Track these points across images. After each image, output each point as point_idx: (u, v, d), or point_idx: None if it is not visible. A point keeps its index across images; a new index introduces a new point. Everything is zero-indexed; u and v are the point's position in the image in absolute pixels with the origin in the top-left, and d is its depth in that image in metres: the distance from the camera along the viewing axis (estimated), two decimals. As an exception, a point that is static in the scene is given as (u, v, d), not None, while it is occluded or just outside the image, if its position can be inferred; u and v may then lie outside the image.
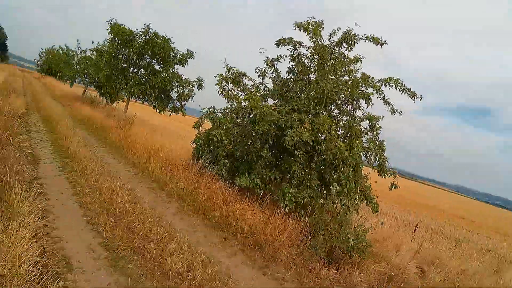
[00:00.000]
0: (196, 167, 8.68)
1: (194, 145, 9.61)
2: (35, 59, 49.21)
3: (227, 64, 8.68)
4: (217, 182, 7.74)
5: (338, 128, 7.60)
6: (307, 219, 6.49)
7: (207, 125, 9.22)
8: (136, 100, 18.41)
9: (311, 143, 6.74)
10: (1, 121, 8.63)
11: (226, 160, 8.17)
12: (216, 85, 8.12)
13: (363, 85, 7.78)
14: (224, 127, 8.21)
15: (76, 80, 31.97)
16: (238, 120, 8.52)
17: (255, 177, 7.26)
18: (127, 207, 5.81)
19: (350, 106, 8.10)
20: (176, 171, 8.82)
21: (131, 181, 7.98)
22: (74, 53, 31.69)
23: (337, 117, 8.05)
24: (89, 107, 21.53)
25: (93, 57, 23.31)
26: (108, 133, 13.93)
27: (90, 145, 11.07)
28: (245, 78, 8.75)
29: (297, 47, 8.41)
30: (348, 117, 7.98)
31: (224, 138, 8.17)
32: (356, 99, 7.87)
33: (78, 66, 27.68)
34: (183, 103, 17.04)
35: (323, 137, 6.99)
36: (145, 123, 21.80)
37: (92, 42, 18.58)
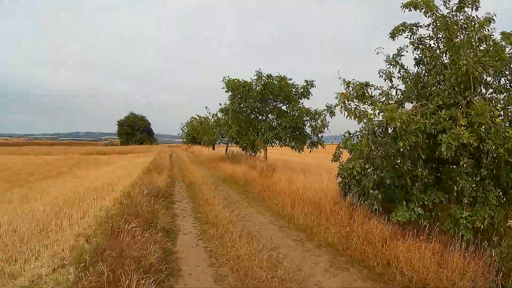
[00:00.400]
0: (345, 205, 8.05)
1: (339, 179, 9.00)
2: (178, 134, 56.25)
3: (344, 79, 7.99)
4: (371, 220, 6.95)
5: (500, 112, 6.15)
6: (493, 251, 5.10)
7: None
8: (272, 146, 18.82)
9: (475, 143, 5.51)
10: (131, 204, 9.36)
11: (376, 191, 7.28)
12: (335, 106, 7.53)
13: (509, 45, 6.26)
14: (364, 153, 7.37)
15: (216, 142, 34.93)
16: (379, 139, 7.61)
17: (415, 206, 6.24)
18: (265, 276, 5.44)
19: (503, 78, 6.60)
20: (324, 214, 8.36)
21: (274, 237, 7.80)
22: (206, 118, 35.00)
23: (492, 99, 6.59)
24: (232, 164, 23.00)
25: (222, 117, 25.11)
26: (251, 185, 14.49)
27: (233, 203, 11.50)
28: (370, 88, 7.91)
29: (414, 30, 7.38)
30: (505, 93, 6.47)
31: (366, 166, 7.35)
32: (508, 66, 6.38)
33: (214, 129, 30.20)
34: (319, 136, 16.73)
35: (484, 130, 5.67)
36: (287, 165, 22.10)
37: (220, 104, 20.14)
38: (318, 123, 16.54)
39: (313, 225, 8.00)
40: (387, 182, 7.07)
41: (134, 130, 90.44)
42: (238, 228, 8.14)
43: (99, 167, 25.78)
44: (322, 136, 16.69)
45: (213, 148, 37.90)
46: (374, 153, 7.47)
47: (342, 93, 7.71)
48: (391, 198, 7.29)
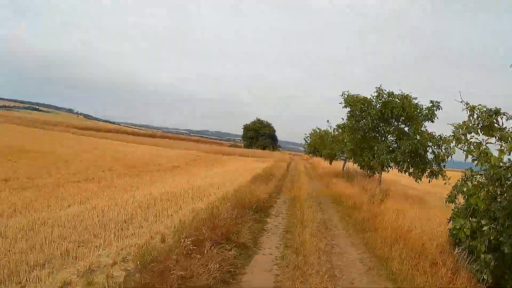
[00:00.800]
0: (451, 260, 6.42)
1: (451, 224, 7.30)
2: (301, 144, 56.20)
3: (467, 102, 6.31)
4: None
5: None
6: None
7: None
8: (388, 171, 17.06)
9: None
10: (212, 214, 8.73)
11: (489, 256, 5.46)
12: (449, 141, 5.98)
13: None
14: (481, 209, 5.65)
15: (335, 157, 33.71)
16: (506, 184, 5.74)
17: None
18: None
19: None
20: (423, 264, 6.79)
21: (357, 280, 6.53)
22: (325, 132, 33.88)
23: None
24: (345, 182, 21.66)
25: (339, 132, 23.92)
26: (357, 211, 13.14)
27: (329, 228, 10.47)
28: (502, 117, 6.11)
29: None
30: None
31: (483, 222, 5.63)
32: None
33: (332, 144, 29.15)
34: (442, 165, 14.43)
35: None
36: (404, 191, 19.98)
37: (342, 119, 19.00)
38: (441, 150, 14.32)
39: (407, 276, 6.52)
40: (506, 251, 5.25)
41: (259, 135, 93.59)
42: (321, 260, 7.17)
43: (214, 166, 26.61)
44: (444, 165, 14.41)
45: (330, 163, 36.67)
46: (498, 199, 5.73)
47: (463, 123, 6.14)
48: (508, 268, 5.45)
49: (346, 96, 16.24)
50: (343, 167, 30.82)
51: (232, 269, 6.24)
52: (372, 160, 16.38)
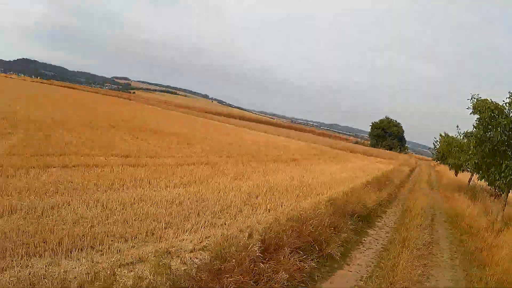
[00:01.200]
0: None
1: None
2: (429, 148, 51.04)
3: None
4: None
5: None
6: None
7: None
8: (515, 195, 14.04)
9: None
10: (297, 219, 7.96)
11: None
12: None
13: None
14: None
15: (461, 168, 29.64)
16: None
17: None
18: None
19: None
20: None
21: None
22: (453, 139, 29.75)
23: None
24: (467, 199, 18.72)
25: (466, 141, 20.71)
26: (471, 237, 11.09)
27: (433, 254, 9.04)
28: None
29: None
30: None
31: None
32: None
33: (458, 154, 25.53)
34: None
35: None
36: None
37: (473, 126, 16.07)
38: None
39: None
40: None
41: (386, 134, 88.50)
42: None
43: (332, 163, 25.28)
44: None
45: (456, 174, 32.40)
46: None
47: None
48: None
49: (475, 101, 13.68)
50: (469, 181, 26.99)
51: (306, 282, 5.80)
52: (498, 179, 13.59)
